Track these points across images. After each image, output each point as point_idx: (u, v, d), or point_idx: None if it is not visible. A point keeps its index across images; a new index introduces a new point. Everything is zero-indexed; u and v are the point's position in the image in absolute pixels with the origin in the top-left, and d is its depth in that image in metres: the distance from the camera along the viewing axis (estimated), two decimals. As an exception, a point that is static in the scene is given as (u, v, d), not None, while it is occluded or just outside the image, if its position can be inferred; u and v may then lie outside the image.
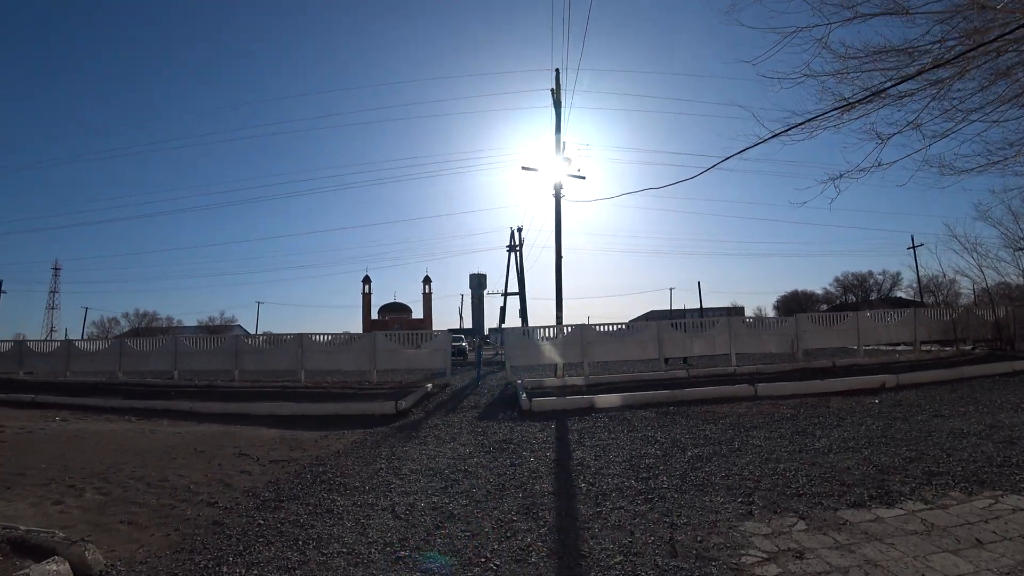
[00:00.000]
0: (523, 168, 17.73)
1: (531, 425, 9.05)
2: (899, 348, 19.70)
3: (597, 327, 16.09)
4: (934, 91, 5.58)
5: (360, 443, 8.47)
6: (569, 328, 16.03)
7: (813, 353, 17.30)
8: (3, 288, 48.92)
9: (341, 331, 17.24)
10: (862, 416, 8.65)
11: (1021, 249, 18.03)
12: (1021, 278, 18.43)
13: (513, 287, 41.43)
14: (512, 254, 39.72)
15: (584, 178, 17.95)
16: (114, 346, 20.54)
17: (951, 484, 5.16)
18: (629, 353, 16.14)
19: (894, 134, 6.17)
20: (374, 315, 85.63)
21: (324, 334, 17.53)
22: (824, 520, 4.35)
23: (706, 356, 17.17)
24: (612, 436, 7.83)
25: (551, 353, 15.55)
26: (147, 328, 65.54)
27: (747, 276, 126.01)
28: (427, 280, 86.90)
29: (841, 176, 6.17)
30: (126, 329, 66.01)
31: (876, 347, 19.05)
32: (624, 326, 16.60)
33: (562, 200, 17.37)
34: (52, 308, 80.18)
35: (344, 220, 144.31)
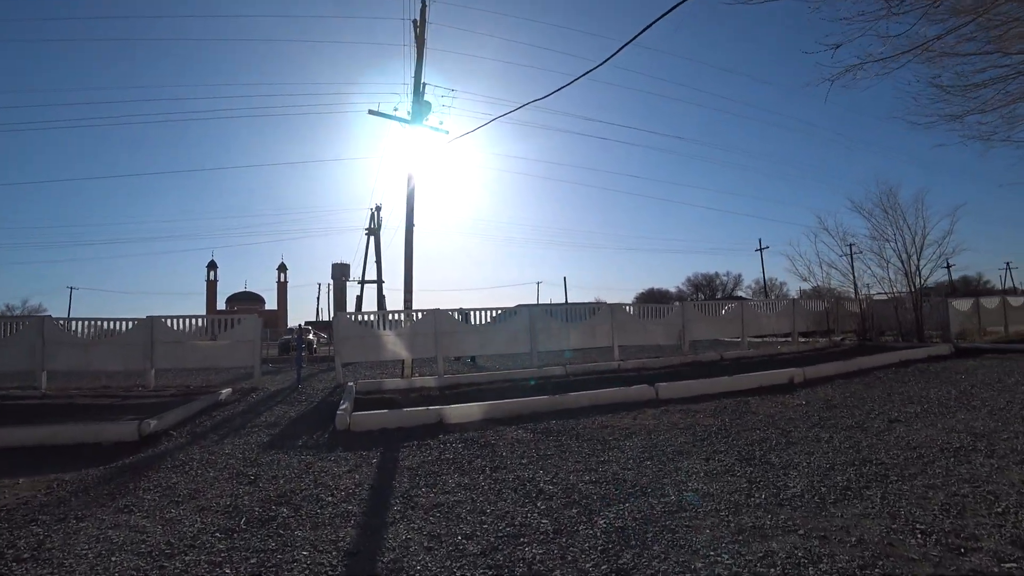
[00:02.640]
0: (371, 113, 14.10)
1: (341, 459, 5.65)
2: (772, 339, 18.99)
3: (455, 313, 12.92)
4: None
5: (7, 514, 4.53)
6: (420, 314, 12.64)
7: (698, 345, 15.67)
8: None
9: (107, 316, 12.32)
10: (805, 426, 6.39)
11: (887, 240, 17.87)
12: (885, 270, 18.34)
13: (372, 274, 37.00)
14: (371, 237, 35.13)
15: (447, 132, 14.76)
16: None
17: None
18: (495, 346, 13.15)
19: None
20: (221, 305, 75.83)
21: (80, 320, 12.56)
22: None
23: (584, 349, 14.79)
24: (466, 483, 4.68)
25: (396, 346, 12.11)
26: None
27: (609, 272, 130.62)
28: (282, 268, 78.61)
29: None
30: None
31: (757, 338, 18.02)
32: (490, 313, 13.59)
33: (417, 155, 14.09)
34: None
35: (182, 186, 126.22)
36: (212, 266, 77.46)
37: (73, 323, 12.38)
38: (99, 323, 12.62)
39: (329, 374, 13.99)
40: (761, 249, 49.98)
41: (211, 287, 77.27)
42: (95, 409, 9.77)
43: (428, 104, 13.63)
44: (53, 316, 12.38)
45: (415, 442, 6.15)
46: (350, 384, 10.56)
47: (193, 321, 12.01)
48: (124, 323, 12.19)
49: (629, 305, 15.15)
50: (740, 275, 78.36)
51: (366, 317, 12.81)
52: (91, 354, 12.05)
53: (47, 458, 6.69)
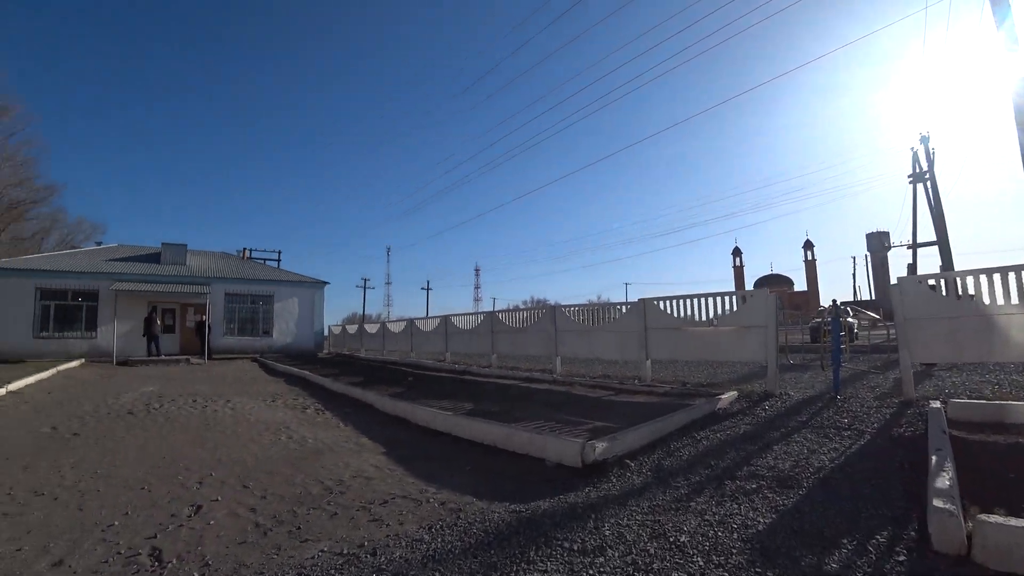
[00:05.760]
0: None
1: None
2: None
3: None
4: None
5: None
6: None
7: None
8: (430, 286, 61.51)
9: (608, 302, 11.32)
10: None
11: None
12: None
13: (924, 235, 26.37)
14: (916, 185, 24.69)
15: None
16: (407, 328, 19.72)
17: None
18: None
19: None
20: (748, 289, 76.15)
21: (580, 308, 12.06)
22: None
23: None
24: None
25: (1017, 331, 6.27)
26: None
27: None
28: (808, 245, 71.56)
29: None
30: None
31: None
32: None
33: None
34: (476, 301, 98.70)
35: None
36: (736, 252, 78.36)
37: (576, 310, 11.90)
38: (597, 309, 11.80)
39: (885, 376, 9.11)
40: None
41: (738, 272, 78.10)
42: (584, 403, 8.42)
43: None
44: (563, 304, 12.16)
45: None
46: (934, 405, 5.73)
47: (687, 302, 9.47)
48: (620, 308, 10.86)
49: None
50: None
51: (970, 278, 6.97)
52: (591, 341, 11.22)
53: (486, 467, 5.21)
